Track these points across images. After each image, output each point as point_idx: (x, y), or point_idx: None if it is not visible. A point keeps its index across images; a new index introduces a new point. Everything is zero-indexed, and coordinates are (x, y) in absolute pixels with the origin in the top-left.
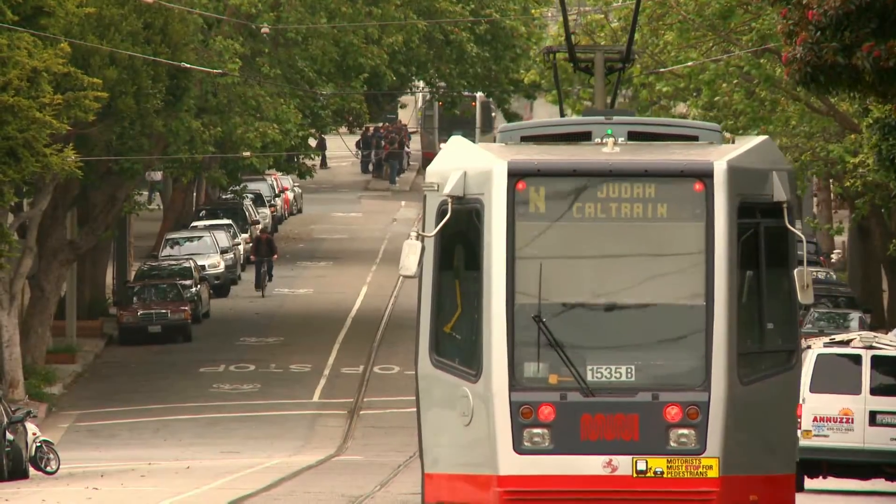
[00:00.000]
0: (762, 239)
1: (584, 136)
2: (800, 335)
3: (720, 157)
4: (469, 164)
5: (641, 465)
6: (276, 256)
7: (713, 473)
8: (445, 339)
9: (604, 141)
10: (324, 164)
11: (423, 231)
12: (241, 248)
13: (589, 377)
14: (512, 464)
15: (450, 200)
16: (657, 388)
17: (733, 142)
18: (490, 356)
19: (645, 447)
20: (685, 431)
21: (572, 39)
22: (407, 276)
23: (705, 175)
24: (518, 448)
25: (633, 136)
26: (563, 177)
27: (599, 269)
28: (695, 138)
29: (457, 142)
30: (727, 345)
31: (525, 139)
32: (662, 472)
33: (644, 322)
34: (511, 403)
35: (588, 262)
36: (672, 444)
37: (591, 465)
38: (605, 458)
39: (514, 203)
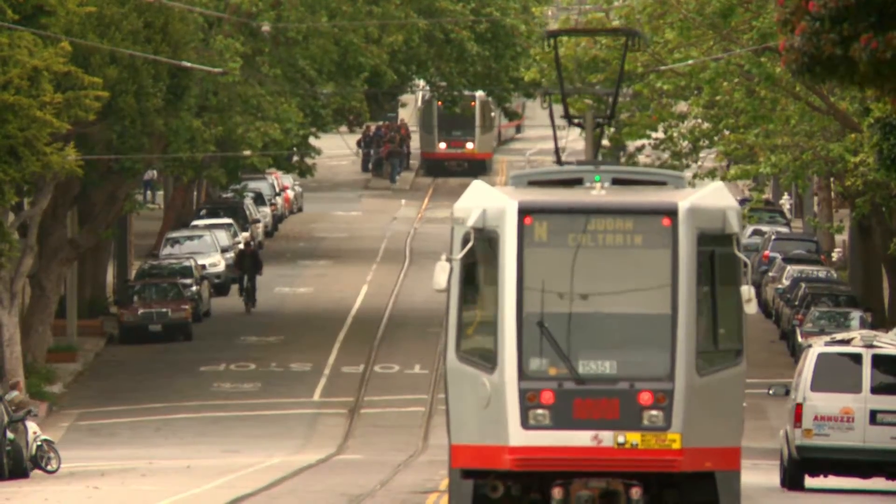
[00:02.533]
0: (716, 262)
1: (578, 182)
2: (745, 338)
3: (683, 199)
4: (487, 203)
5: (621, 439)
6: (261, 273)
7: (676, 445)
8: (468, 339)
9: (593, 185)
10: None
11: (452, 255)
12: (241, 247)
13: (580, 370)
14: (520, 437)
15: (472, 231)
16: (633, 379)
17: (694, 186)
18: (503, 353)
19: (624, 424)
20: (655, 413)
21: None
22: (439, 290)
23: (672, 213)
24: (525, 425)
25: (616, 182)
26: (560, 213)
27: (588, 285)
28: (664, 183)
29: (478, 185)
30: (688, 345)
31: (531, 183)
32: (637, 444)
33: (623, 327)
34: (519, 390)
35: (580, 279)
36: (645, 422)
37: (581, 438)
38: (593, 432)
39: (522, 233)
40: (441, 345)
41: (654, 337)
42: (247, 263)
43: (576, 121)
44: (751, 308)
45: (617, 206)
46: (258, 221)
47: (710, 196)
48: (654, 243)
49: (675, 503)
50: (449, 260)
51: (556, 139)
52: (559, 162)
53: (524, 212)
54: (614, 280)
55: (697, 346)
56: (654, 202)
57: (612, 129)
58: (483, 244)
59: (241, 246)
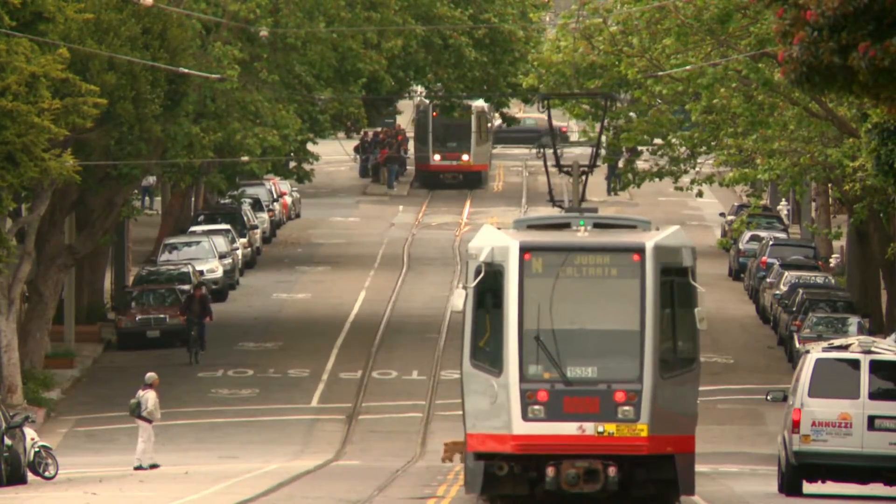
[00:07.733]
0: (675, 289)
1: (566, 226)
2: (699, 349)
3: (650, 239)
4: (495, 242)
5: (600, 429)
6: (208, 319)
7: (644, 434)
8: (479, 350)
9: (578, 229)
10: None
11: (466, 283)
12: (239, 252)
13: (568, 374)
14: (521, 427)
15: (483, 265)
16: (610, 381)
17: (658, 229)
18: (507, 361)
19: (602, 417)
20: (627, 408)
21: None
22: (456, 312)
23: (640, 250)
24: (525, 417)
25: (596, 226)
26: (553, 251)
27: (575, 307)
28: (634, 227)
29: (487, 228)
30: (653, 354)
31: (530, 227)
32: (613, 433)
33: (602, 340)
34: (520, 390)
35: (568, 303)
36: (619, 415)
37: (569, 428)
38: (578, 424)
39: (522, 267)
40: (439, 351)
41: (626, 348)
42: (195, 308)
43: (565, 169)
44: (703, 326)
45: (597, 245)
46: (256, 227)
47: (670, 237)
48: (626, 274)
49: (643, 479)
50: (464, 287)
51: (549, 183)
52: (552, 201)
53: (524, 250)
54: (594, 303)
55: (660, 355)
56: (627, 242)
57: (611, 134)
58: (491, 275)
59: (191, 290)
